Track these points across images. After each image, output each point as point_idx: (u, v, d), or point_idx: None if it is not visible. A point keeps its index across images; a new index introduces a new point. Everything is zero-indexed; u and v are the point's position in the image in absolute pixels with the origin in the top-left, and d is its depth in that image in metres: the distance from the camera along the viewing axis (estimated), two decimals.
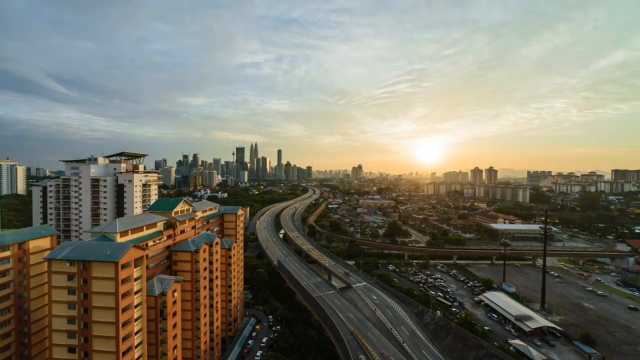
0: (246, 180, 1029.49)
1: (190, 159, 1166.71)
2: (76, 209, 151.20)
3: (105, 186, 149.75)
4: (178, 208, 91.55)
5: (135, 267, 62.21)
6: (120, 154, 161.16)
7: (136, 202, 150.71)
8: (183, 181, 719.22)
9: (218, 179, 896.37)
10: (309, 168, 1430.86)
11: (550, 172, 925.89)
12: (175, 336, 72.78)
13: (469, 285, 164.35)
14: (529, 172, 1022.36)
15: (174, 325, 72.58)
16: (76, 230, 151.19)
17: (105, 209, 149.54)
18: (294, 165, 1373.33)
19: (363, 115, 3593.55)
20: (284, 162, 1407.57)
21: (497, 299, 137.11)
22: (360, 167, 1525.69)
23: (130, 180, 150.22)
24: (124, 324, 59.03)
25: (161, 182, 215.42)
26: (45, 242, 79.35)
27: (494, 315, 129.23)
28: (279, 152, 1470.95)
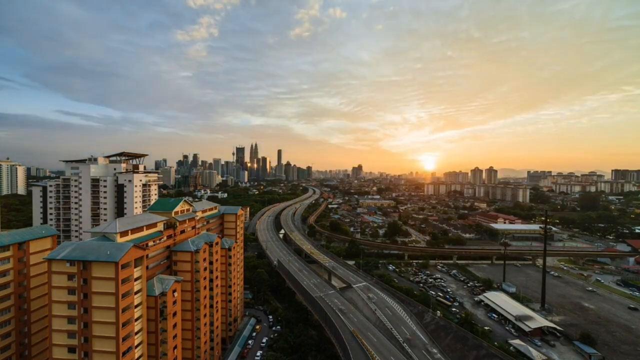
0: (246, 180, 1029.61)
1: (190, 159, 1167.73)
2: (76, 209, 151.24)
3: (105, 186, 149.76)
4: (178, 208, 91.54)
5: (135, 267, 62.18)
6: (121, 154, 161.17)
7: (136, 202, 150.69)
8: (183, 181, 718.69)
9: (218, 179, 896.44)
10: (309, 168, 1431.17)
11: (550, 172, 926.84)
12: (175, 336, 72.74)
13: (469, 285, 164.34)
14: (529, 172, 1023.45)
15: (174, 326, 72.53)
16: (76, 230, 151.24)
17: (105, 209, 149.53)
18: (294, 165, 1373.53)
19: (370, 119, 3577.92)
20: (284, 162, 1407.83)
21: (497, 299, 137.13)
22: (360, 167, 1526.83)
23: (130, 180, 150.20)
24: (124, 324, 59.01)
25: (161, 182, 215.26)
26: (45, 242, 79.35)
27: (494, 315, 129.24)
28: (279, 152, 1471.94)
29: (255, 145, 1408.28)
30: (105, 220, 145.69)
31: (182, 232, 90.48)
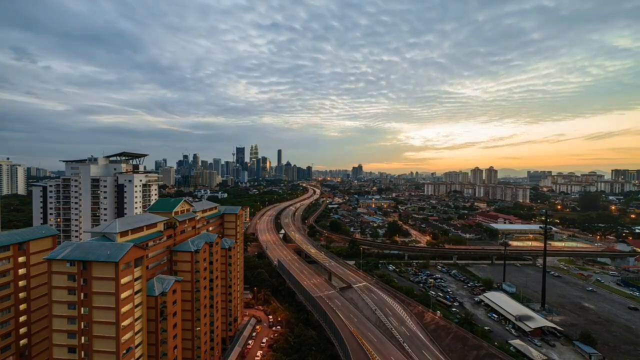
0: (246, 180, 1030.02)
1: (191, 159, 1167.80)
2: (76, 209, 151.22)
3: (105, 186, 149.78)
4: (178, 208, 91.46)
5: (135, 267, 62.12)
6: (121, 154, 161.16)
7: (136, 202, 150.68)
8: (183, 181, 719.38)
9: (218, 179, 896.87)
10: (309, 168, 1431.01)
11: (550, 172, 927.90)
12: (175, 336, 72.75)
13: (469, 285, 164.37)
14: (529, 172, 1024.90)
15: (174, 326, 72.53)
16: (76, 231, 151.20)
17: (105, 209, 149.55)
18: (294, 165, 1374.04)
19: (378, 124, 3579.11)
20: (284, 162, 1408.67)
21: (498, 298, 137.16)
22: (360, 167, 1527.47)
23: (130, 181, 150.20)
24: (124, 324, 59.00)
25: (161, 182, 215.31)
26: (45, 243, 79.20)
27: (494, 315, 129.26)
28: (279, 152, 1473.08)
29: (256, 145, 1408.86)
30: (105, 220, 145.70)
31: (182, 232, 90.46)
